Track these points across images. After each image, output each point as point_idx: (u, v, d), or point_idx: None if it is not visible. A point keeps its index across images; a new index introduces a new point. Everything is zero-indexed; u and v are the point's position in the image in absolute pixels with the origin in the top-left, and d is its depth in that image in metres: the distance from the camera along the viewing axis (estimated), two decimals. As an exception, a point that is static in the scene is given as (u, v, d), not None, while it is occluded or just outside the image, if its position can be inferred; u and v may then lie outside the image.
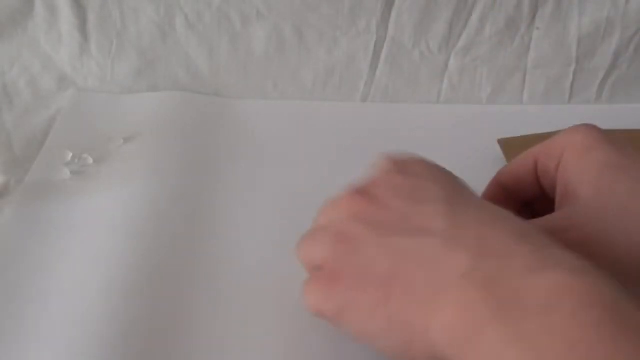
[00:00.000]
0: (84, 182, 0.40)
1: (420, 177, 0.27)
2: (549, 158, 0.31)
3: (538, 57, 0.47)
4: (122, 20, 0.46)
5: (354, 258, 0.26)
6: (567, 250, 0.23)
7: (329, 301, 0.26)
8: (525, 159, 0.32)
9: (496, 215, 0.25)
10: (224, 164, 0.43)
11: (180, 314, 0.33)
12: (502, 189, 0.33)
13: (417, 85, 0.48)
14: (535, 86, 0.48)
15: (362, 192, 0.27)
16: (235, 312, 0.33)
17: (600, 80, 0.48)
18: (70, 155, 0.42)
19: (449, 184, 0.27)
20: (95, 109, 0.47)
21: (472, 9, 0.45)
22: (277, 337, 0.31)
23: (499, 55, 0.47)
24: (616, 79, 0.48)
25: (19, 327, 0.32)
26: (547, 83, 0.48)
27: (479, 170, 0.42)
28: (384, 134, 0.45)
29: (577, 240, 0.28)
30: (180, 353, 0.31)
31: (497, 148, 0.42)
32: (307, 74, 0.48)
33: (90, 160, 0.42)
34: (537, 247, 0.23)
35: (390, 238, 0.25)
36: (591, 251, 0.28)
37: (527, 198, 0.33)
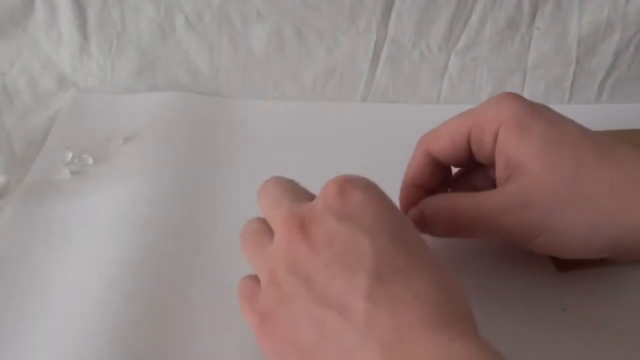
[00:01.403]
0: (84, 182, 0.41)
1: (354, 225, 0.26)
2: (484, 132, 0.32)
3: (538, 57, 0.47)
4: (122, 20, 0.46)
5: (283, 309, 0.26)
6: (477, 341, 0.24)
7: (263, 340, 0.27)
8: (457, 134, 0.33)
9: (418, 287, 0.24)
10: (223, 164, 0.43)
11: (181, 313, 0.33)
12: (431, 158, 0.34)
13: (417, 85, 0.48)
14: (535, 86, 0.48)
15: (301, 227, 0.26)
16: (235, 311, 0.33)
17: (600, 80, 0.48)
18: (70, 155, 0.42)
19: (382, 234, 0.25)
20: (95, 109, 0.47)
21: (472, 9, 0.45)
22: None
23: (499, 55, 0.47)
24: (616, 79, 0.48)
25: (19, 327, 0.32)
26: (547, 83, 0.48)
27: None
28: (384, 134, 0.45)
29: (535, 216, 0.30)
30: (180, 352, 0.31)
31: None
32: (307, 74, 0.48)
33: (90, 160, 0.42)
34: (447, 339, 0.23)
35: (314, 305, 0.25)
36: (543, 226, 0.30)
37: (453, 164, 0.34)
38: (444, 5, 0.45)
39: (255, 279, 0.29)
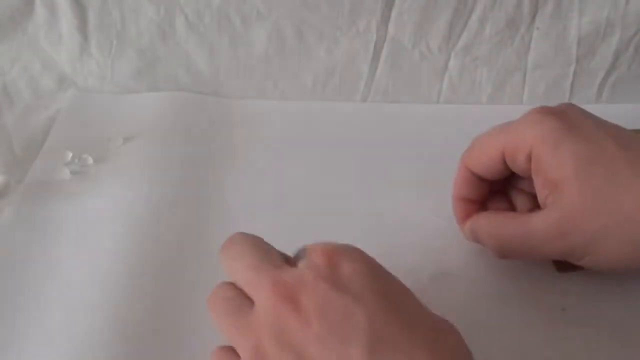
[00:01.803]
0: (84, 182, 0.41)
1: (347, 295, 0.24)
2: (517, 152, 0.32)
3: (538, 57, 0.47)
4: (122, 20, 0.46)
5: None
6: None
7: None
8: (492, 152, 0.33)
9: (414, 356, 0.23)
10: (223, 163, 0.43)
11: (181, 313, 0.33)
12: (470, 173, 0.34)
13: (417, 85, 0.48)
14: (535, 86, 0.48)
15: (291, 297, 0.24)
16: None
17: (600, 80, 0.48)
18: (70, 155, 0.42)
19: (375, 303, 0.24)
20: (95, 109, 0.47)
21: (472, 9, 0.45)
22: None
23: (499, 55, 0.47)
24: (616, 79, 0.48)
25: (20, 327, 0.32)
26: (547, 83, 0.48)
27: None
28: (384, 134, 0.46)
29: (579, 241, 0.30)
30: (180, 353, 0.31)
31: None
32: (307, 74, 0.48)
33: (90, 160, 0.42)
34: None
35: None
36: (588, 250, 0.30)
37: (492, 178, 0.34)
38: (444, 5, 0.45)
39: (231, 351, 0.26)
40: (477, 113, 0.48)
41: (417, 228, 0.38)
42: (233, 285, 0.27)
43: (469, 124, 0.46)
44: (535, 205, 0.34)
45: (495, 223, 0.33)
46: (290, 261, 0.27)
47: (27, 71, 0.47)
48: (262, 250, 0.28)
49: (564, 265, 0.35)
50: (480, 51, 0.47)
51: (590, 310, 0.33)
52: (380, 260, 0.27)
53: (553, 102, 0.47)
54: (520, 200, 0.35)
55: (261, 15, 0.46)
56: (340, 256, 0.26)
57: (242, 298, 0.26)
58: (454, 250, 0.36)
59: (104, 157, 0.42)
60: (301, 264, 0.26)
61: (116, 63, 0.47)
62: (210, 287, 0.34)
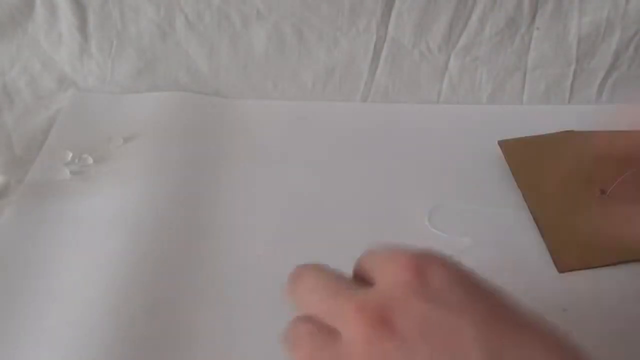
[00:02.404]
0: (84, 182, 0.41)
1: (444, 307, 0.22)
2: None
3: (538, 57, 0.47)
4: (122, 20, 0.46)
5: None
6: None
7: None
8: None
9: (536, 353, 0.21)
10: (223, 163, 0.43)
11: (180, 313, 0.33)
12: None
13: (417, 85, 0.48)
14: (535, 86, 0.48)
15: (383, 320, 0.22)
16: (234, 310, 0.33)
17: (600, 80, 0.48)
18: (70, 155, 0.42)
19: (478, 311, 0.22)
20: (95, 109, 0.47)
21: (472, 9, 0.45)
22: (277, 336, 0.31)
23: (499, 55, 0.47)
24: (616, 79, 0.48)
25: (19, 327, 0.32)
26: (547, 83, 0.48)
27: (479, 170, 0.42)
28: (384, 134, 0.46)
29: None
30: (179, 352, 0.31)
31: (497, 148, 0.42)
32: (307, 74, 0.48)
33: (90, 160, 0.42)
34: None
35: None
36: None
37: None
38: (444, 5, 0.45)
39: None
40: (477, 113, 0.48)
41: (416, 229, 0.38)
42: (308, 317, 0.25)
43: (469, 124, 0.47)
44: None
45: None
46: (364, 281, 0.25)
47: (27, 71, 0.47)
48: (333, 276, 0.25)
49: (564, 265, 0.35)
50: (480, 51, 0.47)
51: (590, 310, 0.33)
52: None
53: (553, 102, 0.48)
54: None
55: (261, 15, 0.46)
56: (425, 266, 0.23)
57: (325, 330, 0.24)
58: (454, 252, 0.36)
59: (104, 157, 0.42)
60: (383, 282, 0.24)
61: (116, 63, 0.47)
62: (209, 285, 0.34)
